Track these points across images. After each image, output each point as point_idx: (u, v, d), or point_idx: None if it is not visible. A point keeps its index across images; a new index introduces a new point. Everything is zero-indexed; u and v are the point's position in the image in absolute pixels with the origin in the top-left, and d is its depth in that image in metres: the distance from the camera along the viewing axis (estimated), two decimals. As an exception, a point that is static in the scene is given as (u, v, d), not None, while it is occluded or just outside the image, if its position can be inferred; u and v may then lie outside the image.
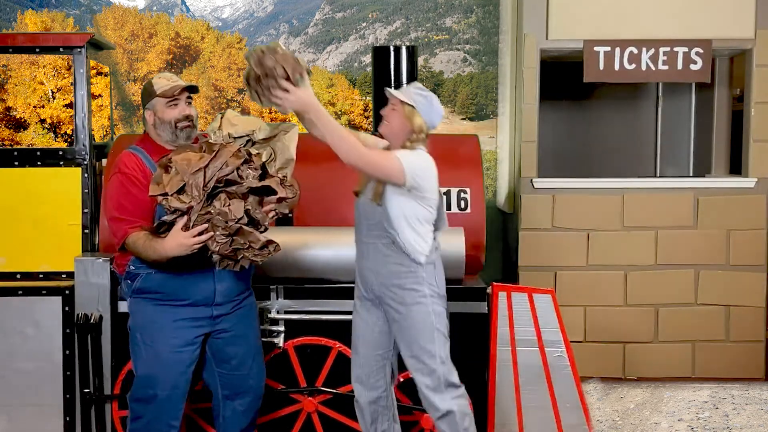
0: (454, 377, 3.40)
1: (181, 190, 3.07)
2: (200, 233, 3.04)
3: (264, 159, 3.28)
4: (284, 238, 3.97)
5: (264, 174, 3.18)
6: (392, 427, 3.58)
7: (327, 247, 3.96)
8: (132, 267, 3.33)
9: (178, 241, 3.06)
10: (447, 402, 3.35)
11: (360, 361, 3.49)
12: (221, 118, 3.40)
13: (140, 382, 3.38)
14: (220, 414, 3.55)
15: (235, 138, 3.31)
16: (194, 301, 3.33)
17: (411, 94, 3.31)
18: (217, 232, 3.05)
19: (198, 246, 3.06)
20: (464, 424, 3.37)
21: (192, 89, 3.41)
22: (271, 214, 3.19)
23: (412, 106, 3.29)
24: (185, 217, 3.06)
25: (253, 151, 3.27)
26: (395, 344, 3.47)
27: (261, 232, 3.15)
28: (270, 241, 3.12)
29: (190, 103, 3.39)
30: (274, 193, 3.15)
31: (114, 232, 3.30)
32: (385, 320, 3.44)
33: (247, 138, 3.31)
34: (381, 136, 3.43)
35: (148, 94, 3.39)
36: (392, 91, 3.36)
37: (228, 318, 3.43)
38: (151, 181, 3.14)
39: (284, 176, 3.31)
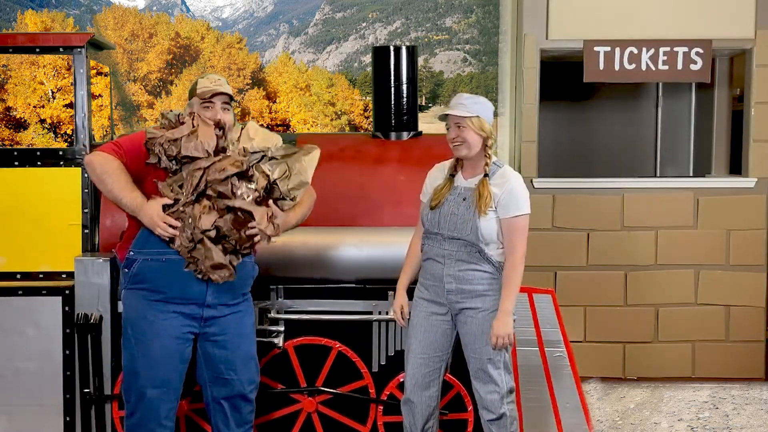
0: (512, 383, 3.48)
1: (178, 178, 3.23)
2: (171, 225, 3.18)
3: (276, 176, 3.28)
4: (284, 238, 3.97)
5: (263, 197, 3.26)
6: (435, 424, 3.62)
7: (327, 247, 3.96)
8: (131, 252, 3.34)
9: (151, 214, 3.19)
10: (504, 407, 3.43)
11: (418, 361, 3.52)
12: (242, 129, 3.39)
13: (128, 377, 3.37)
14: (211, 415, 3.54)
15: (250, 153, 3.30)
16: (185, 298, 3.32)
17: (468, 106, 3.38)
18: (185, 234, 3.19)
19: (162, 235, 3.20)
20: (512, 428, 3.45)
21: (227, 95, 3.41)
22: (257, 239, 3.28)
23: (478, 116, 3.37)
24: (171, 201, 3.21)
25: (265, 168, 3.28)
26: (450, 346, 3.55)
27: (241, 252, 3.28)
28: (222, 265, 3.22)
29: (226, 110, 3.41)
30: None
31: (101, 148, 3.30)
32: (449, 323, 3.49)
33: (261, 154, 3.30)
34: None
35: (191, 90, 3.47)
36: (450, 111, 3.41)
37: (219, 322, 3.41)
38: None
39: (292, 196, 3.34)
